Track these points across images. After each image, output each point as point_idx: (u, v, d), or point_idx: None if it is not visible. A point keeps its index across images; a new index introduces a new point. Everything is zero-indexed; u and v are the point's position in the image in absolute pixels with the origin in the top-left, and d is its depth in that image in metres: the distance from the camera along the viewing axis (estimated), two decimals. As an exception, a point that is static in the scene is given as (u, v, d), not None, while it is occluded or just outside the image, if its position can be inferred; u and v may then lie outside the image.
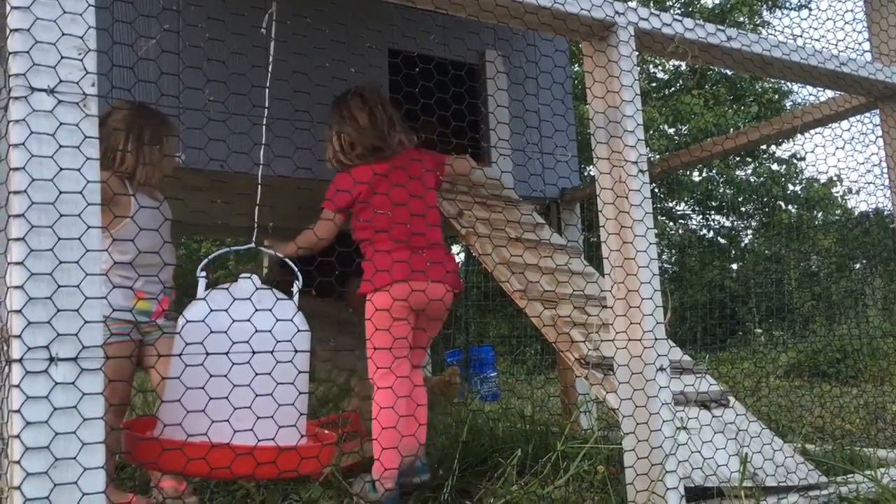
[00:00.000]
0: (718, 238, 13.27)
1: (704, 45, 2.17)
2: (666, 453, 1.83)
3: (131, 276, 2.28)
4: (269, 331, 1.79)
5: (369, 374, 2.46)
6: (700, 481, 1.96)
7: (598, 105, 2.02)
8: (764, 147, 12.11)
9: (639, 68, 2.06)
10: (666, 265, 11.75)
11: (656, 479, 1.83)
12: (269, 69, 2.02)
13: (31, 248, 1.21)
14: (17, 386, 1.17)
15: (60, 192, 1.25)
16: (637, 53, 2.04)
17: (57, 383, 1.20)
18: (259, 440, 1.72)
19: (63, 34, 1.29)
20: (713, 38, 2.18)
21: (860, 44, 2.78)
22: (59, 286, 1.23)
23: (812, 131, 3.13)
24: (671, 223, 13.27)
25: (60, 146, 1.26)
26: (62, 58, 1.28)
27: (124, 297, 2.29)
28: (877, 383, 5.64)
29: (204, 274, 1.92)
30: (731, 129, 10.09)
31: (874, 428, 3.60)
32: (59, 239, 1.24)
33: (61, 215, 1.24)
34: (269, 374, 1.76)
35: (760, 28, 12.30)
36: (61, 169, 1.25)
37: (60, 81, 1.27)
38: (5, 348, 1.23)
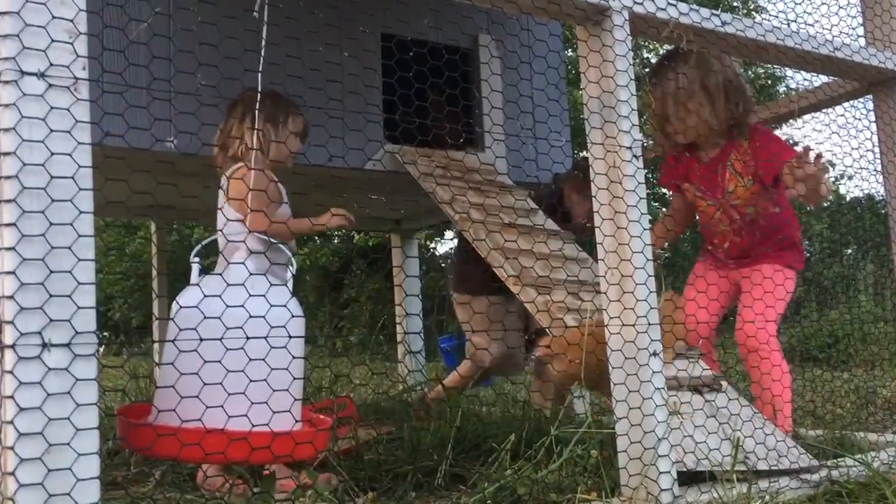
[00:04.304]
0: (711, 223, 13.27)
1: (699, 29, 2.17)
2: (658, 437, 1.85)
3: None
4: (263, 316, 1.79)
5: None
6: (692, 465, 1.97)
7: (592, 90, 2.01)
8: (757, 132, 12.09)
9: (633, 53, 2.06)
10: (659, 250, 11.76)
11: (649, 463, 1.84)
12: (262, 53, 2.00)
13: (22, 233, 1.21)
14: (10, 372, 1.17)
15: (52, 177, 1.24)
16: (631, 38, 2.03)
17: (50, 369, 1.20)
18: (253, 425, 1.72)
19: (53, 17, 1.27)
20: (707, 23, 2.17)
21: (854, 29, 2.77)
22: (52, 272, 1.22)
23: (805, 116, 3.13)
24: (664, 209, 13.28)
25: (51, 130, 1.25)
26: (52, 41, 1.26)
27: None
28: (868, 368, 5.66)
29: (197, 260, 1.92)
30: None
31: (865, 412, 3.63)
32: (51, 224, 1.23)
33: (53, 200, 1.23)
34: (264, 359, 1.76)
35: (755, 13, 12.27)
36: (52, 153, 1.24)
37: (51, 65, 1.26)
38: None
